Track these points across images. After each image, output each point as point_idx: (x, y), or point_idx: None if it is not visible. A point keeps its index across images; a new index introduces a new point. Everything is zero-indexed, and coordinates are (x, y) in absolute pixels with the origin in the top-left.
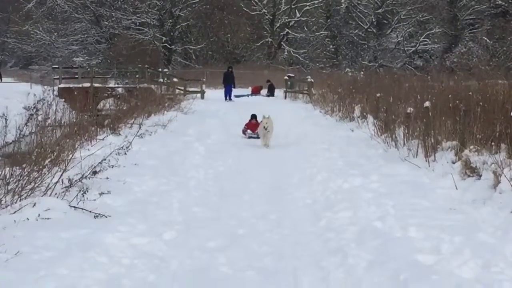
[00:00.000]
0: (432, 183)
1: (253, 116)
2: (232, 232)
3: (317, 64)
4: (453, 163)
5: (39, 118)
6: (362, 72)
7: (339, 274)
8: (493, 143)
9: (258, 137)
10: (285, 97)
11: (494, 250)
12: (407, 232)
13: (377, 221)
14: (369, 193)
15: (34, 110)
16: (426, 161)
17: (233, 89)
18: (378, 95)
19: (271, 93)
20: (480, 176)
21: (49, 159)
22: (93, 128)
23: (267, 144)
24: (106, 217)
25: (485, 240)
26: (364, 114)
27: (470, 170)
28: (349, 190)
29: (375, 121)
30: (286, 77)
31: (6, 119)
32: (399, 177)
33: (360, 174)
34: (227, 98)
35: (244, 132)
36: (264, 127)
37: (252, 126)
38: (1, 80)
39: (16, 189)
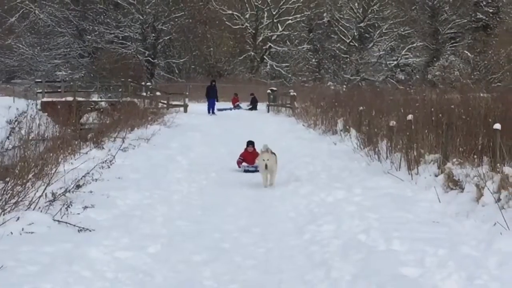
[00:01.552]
0: (415, 196)
1: (250, 143)
2: (216, 246)
3: (300, 78)
4: (436, 176)
5: (22, 132)
6: (344, 86)
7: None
8: (475, 156)
9: (256, 170)
10: (268, 111)
11: (478, 263)
12: (391, 245)
13: (361, 234)
14: (352, 206)
15: (17, 123)
16: (409, 174)
17: (216, 102)
18: (360, 108)
19: (253, 106)
20: (463, 189)
21: (32, 173)
22: (76, 142)
23: (272, 183)
24: (90, 231)
25: (468, 253)
26: (347, 127)
27: (453, 183)
28: (332, 204)
29: (358, 134)
30: (269, 91)
31: None
32: (382, 190)
33: (343, 187)
34: (210, 111)
35: (239, 164)
36: (265, 164)
37: (249, 156)
38: None
39: (0, 203)
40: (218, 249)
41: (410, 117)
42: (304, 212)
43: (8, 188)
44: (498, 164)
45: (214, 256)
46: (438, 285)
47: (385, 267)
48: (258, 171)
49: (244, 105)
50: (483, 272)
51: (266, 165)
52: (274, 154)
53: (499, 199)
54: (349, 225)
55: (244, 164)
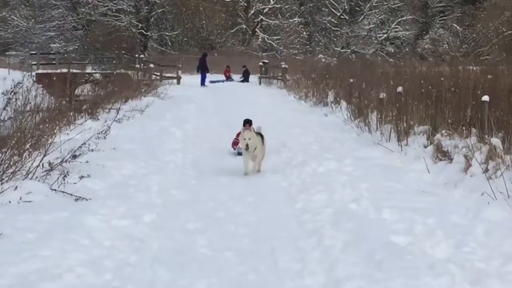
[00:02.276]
0: (404, 166)
1: (247, 122)
2: (210, 214)
3: (291, 51)
4: (425, 147)
5: (18, 103)
6: (335, 58)
7: (315, 255)
8: (464, 128)
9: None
10: (260, 83)
11: (466, 231)
12: (381, 214)
13: (352, 203)
14: (343, 176)
15: (13, 94)
16: (399, 145)
17: (207, 74)
18: (351, 80)
19: (245, 78)
20: (452, 159)
21: (29, 144)
22: (71, 113)
23: (258, 169)
24: (86, 200)
25: (457, 222)
26: (338, 99)
27: (442, 154)
28: (324, 174)
29: (348, 106)
30: (260, 63)
31: None
32: (372, 160)
33: (334, 158)
34: (203, 83)
35: (234, 145)
36: (246, 144)
37: None
38: None
39: None
40: (213, 217)
41: (400, 89)
42: (296, 182)
43: (6, 158)
44: (486, 136)
45: (208, 225)
46: (427, 252)
47: (376, 235)
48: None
49: (237, 77)
50: (471, 240)
51: (247, 145)
52: (262, 135)
53: (486, 170)
54: (340, 194)
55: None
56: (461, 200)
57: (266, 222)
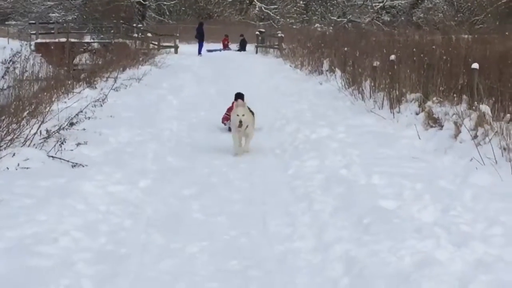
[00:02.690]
0: (396, 133)
1: (239, 96)
2: (204, 181)
3: (288, 20)
4: (417, 114)
5: (17, 71)
6: (331, 28)
7: (305, 219)
8: (455, 95)
9: None
10: (256, 52)
11: (453, 196)
12: (371, 179)
13: (342, 169)
14: (335, 143)
15: (11, 63)
16: (391, 112)
17: (203, 43)
18: (345, 49)
19: (242, 47)
20: (442, 126)
21: (27, 112)
22: (69, 82)
23: (246, 149)
24: (83, 166)
25: (445, 187)
26: (332, 68)
27: (433, 121)
28: (316, 140)
29: (342, 74)
30: (257, 32)
31: None
32: (365, 128)
33: (327, 125)
34: (200, 52)
35: (224, 120)
36: (239, 121)
37: None
38: None
39: None
40: (207, 183)
41: (392, 57)
42: (289, 148)
43: (4, 126)
44: (476, 103)
45: (202, 191)
46: (414, 216)
47: (365, 200)
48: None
49: (234, 46)
50: (458, 204)
51: (240, 122)
52: (252, 112)
53: (475, 136)
54: (332, 160)
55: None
56: (450, 165)
57: (259, 188)
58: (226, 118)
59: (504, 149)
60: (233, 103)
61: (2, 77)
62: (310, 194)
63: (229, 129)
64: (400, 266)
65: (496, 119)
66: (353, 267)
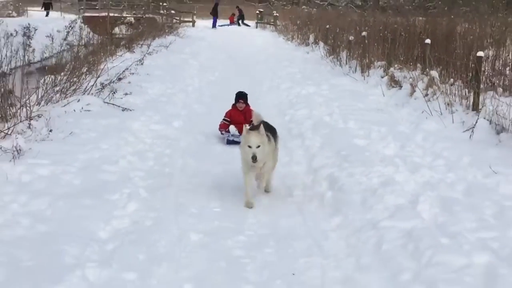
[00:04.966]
0: (366, 91)
1: (241, 97)
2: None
3: (281, 2)
4: (382, 77)
5: (73, 38)
6: (315, 9)
7: (299, 151)
8: (411, 63)
9: None
10: (256, 27)
11: (408, 137)
12: (348, 124)
13: (326, 117)
14: (320, 98)
15: (70, 29)
16: (362, 75)
17: (217, 19)
18: (327, 26)
19: (241, 19)
20: (401, 87)
21: (85, 68)
22: (113, 47)
23: (268, 189)
24: (130, 110)
25: (402, 131)
26: (317, 40)
27: (394, 82)
28: (306, 95)
29: (324, 46)
30: (257, 12)
31: (52, 38)
32: (342, 87)
33: (313, 84)
34: (214, 26)
35: (222, 128)
36: (253, 155)
37: (238, 116)
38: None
39: (63, 90)
40: None
41: (364, 33)
42: (285, 101)
43: (67, 79)
44: (427, 69)
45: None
46: (379, 150)
47: (343, 139)
48: None
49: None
50: (412, 143)
51: (254, 157)
52: (272, 130)
53: (426, 94)
54: (318, 110)
55: (231, 129)
56: (406, 116)
57: None
58: (224, 126)
59: (447, 104)
60: (233, 105)
61: (64, 39)
62: (303, 134)
63: (228, 142)
64: (370, 184)
65: (442, 82)
66: (335, 184)
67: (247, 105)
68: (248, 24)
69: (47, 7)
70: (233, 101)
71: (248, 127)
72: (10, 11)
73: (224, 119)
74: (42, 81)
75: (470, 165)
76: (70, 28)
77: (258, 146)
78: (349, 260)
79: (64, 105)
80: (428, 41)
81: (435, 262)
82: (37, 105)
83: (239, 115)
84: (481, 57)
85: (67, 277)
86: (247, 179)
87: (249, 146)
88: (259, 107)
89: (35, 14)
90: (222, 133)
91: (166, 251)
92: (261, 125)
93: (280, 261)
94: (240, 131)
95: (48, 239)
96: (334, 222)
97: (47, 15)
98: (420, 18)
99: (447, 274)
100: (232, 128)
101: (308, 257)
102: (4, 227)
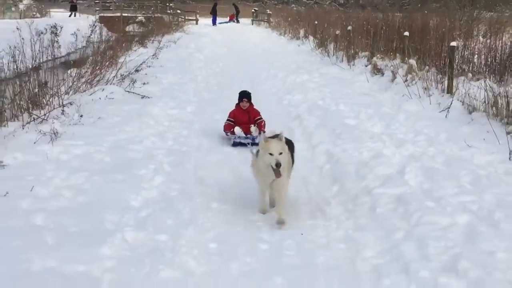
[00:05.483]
0: (352, 78)
1: (244, 96)
2: (229, 108)
3: (273, 1)
4: (366, 66)
5: (95, 35)
6: (303, 7)
7: (298, 131)
8: (391, 53)
9: (254, 143)
10: (252, 24)
11: (392, 117)
12: (339, 106)
13: (319, 101)
14: (313, 84)
15: (94, 27)
16: (348, 65)
17: (216, 17)
18: (315, 22)
19: (236, 15)
20: (383, 74)
21: (108, 61)
22: (128, 43)
23: (282, 221)
24: (148, 97)
25: (387, 112)
26: (307, 35)
27: (377, 70)
28: (300, 83)
29: (314, 39)
30: (253, 10)
31: (76, 36)
32: (331, 75)
33: (306, 73)
34: (214, 23)
35: (227, 129)
36: (276, 163)
37: (242, 116)
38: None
39: (89, 80)
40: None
41: (349, 28)
42: (282, 88)
43: (92, 71)
44: (406, 58)
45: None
46: (368, 129)
47: (335, 119)
48: (255, 143)
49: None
50: (395, 122)
51: (278, 164)
52: (290, 144)
53: (406, 80)
54: (312, 95)
55: (236, 130)
56: (389, 99)
57: (264, 114)
58: (229, 127)
59: (425, 88)
60: (236, 105)
61: (89, 36)
62: (300, 116)
63: (234, 144)
64: (361, 158)
65: (419, 69)
66: (332, 158)
67: (251, 104)
68: (239, 20)
69: (73, 8)
70: (237, 99)
71: (264, 135)
72: (34, 13)
73: (228, 120)
74: (69, 72)
75: (447, 140)
76: (94, 27)
77: (281, 153)
78: (348, 222)
79: (91, 94)
80: (406, 33)
81: (423, 222)
82: (66, 94)
83: (243, 115)
84: (454, 46)
85: (109, 239)
86: (262, 188)
87: (271, 154)
88: (260, 94)
89: (57, 15)
90: (227, 135)
91: (191, 216)
92: (282, 132)
93: (290, 223)
94: (246, 132)
95: (89, 208)
96: (333, 190)
97: (70, 15)
98: (397, 14)
99: (434, 232)
100: (237, 130)
101: (314, 220)
102: (50, 198)
